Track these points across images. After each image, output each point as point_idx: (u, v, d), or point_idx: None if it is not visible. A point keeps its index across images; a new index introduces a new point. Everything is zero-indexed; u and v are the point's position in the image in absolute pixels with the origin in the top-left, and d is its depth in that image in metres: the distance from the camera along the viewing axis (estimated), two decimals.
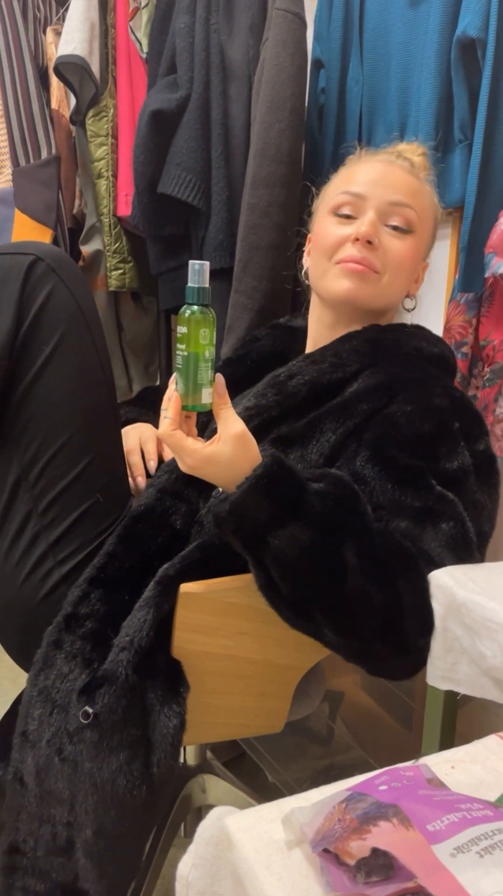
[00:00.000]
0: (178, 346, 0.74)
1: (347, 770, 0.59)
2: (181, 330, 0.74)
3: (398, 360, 0.93)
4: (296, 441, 0.90)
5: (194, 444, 0.74)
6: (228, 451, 0.73)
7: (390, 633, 0.73)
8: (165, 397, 0.76)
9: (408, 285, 1.00)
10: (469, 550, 0.79)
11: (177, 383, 0.75)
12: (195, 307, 0.74)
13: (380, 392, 0.89)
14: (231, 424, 0.74)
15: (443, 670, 0.80)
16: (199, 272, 0.74)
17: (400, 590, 0.73)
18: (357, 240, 0.93)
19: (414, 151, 1.05)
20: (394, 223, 0.94)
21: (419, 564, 0.75)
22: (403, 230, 0.94)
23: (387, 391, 0.89)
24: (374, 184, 0.95)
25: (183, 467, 0.76)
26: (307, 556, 0.72)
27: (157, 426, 1.10)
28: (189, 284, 0.74)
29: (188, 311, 0.74)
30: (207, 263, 0.75)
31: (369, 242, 0.92)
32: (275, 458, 0.74)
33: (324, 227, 0.98)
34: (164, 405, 0.75)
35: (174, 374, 0.76)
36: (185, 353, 0.74)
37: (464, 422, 0.88)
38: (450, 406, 0.88)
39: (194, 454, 0.74)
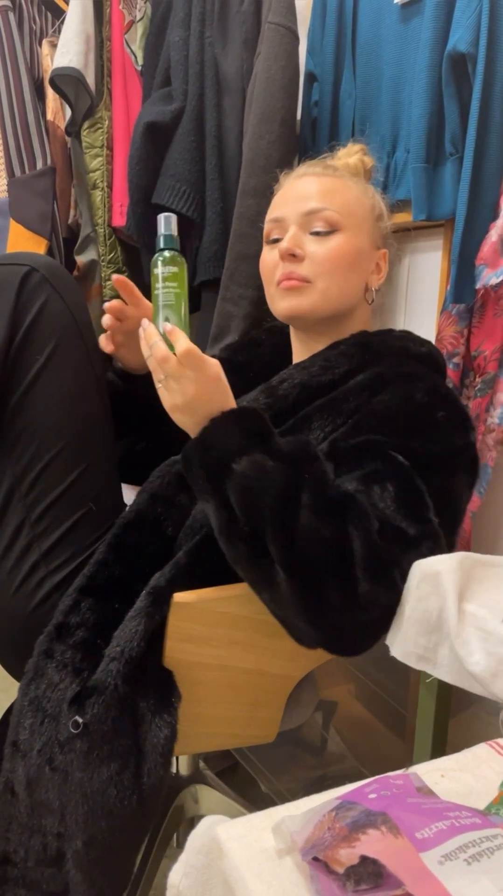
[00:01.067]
0: (168, 284, 0.80)
1: (341, 780, 0.59)
2: (169, 269, 0.79)
3: (384, 359, 0.93)
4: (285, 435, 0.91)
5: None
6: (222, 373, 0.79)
7: (339, 575, 0.72)
8: (151, 339, 0.79)
9: (360, 279, 1.00)
10: (420, 513, 0.78)
11: (165, 319, 0.80)
12: (177, 251, 0.80)
13: (365, 389, 0.90)
14: (207, 356, 0.79)
15: (423, 648, 0.79)
16: (168, 222, 0.82)
17: (349, 532, 0.73)
18: (283, 258, 0.96)
19: (348, 154, 1.07)
20: (316, 229, 0.96)
21: (369, 515, 0.75)
22: (326, 232, 0.95)
23: (372, 388, 0.89)
24: (288, 203, 0.98)
25: (190, 390, 0.77)
26: (268, 483, 0.73)
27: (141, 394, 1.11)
28: (165, 233, 0.81)
29: (174, 254, 0.80)
30: (174, 215, 0.84)
31: (293, 256, 0.95)
32: (251, 405, 0.77)
33: (262, 257, 1.03)
34: (155, 340, 0.78)
35: (161, 313, 0.81)
36: (178, 291, 0.80)
37: (447, 413, 0.87)
38: (432, 397, 0.87)
39: (216, 366, 0.78)
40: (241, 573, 0.78)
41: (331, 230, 0.95)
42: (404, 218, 1.25)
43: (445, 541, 0.82)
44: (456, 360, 1.19)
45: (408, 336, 0.98)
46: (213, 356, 1.07)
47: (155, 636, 0.82)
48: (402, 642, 0.76)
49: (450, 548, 0.83)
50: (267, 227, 1.01)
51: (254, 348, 1.17)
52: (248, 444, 0.74)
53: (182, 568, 0.84)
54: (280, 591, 0.75)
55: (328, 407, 0.90)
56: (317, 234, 0.95)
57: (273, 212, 1.00)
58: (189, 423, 0.79)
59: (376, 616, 0.75)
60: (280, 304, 0.99)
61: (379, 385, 0.89)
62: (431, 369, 0.95)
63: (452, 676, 0.76)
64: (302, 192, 0.98)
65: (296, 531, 0.73)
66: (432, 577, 0.78)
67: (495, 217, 1.12)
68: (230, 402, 0.80)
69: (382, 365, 0.92)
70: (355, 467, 0.81)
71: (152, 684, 0.82)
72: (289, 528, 0.73)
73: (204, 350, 1.45)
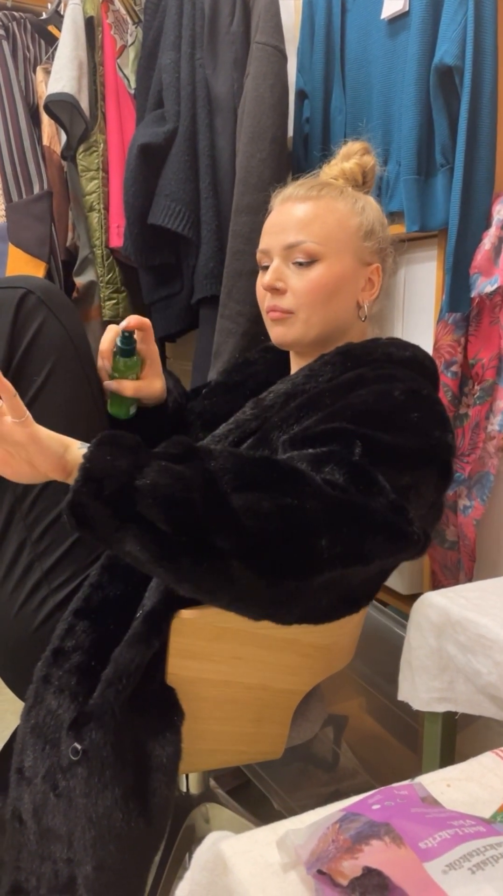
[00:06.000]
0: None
1: (353, 795, 0.58)
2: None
3: (367, 363, 0.93)
4: (267, 437, 0.91)
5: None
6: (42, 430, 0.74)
7: (293, 538, 0.69)
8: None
9: (346, 301, 0.99)
10: (369, 489, 0.75)
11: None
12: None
13: (344, 387, 0.89)
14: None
15: (440, 691, 0.80)
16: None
17: (287, 493, 0.70)
18: (267, 291, 0.99)
19: (346, 156, 1.07)
20: (297, 260, 0.97)
21: (308, 476, 0.72)
22: (306, 263, 0.97)
23: (350, 386, 0.89)
24: (271, 235, 1.00)
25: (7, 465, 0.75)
26: (185, 482, 0.68)
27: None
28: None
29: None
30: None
31: (276, 290, 0.98)
32: (107, 432, 0.73)
33: (257, 283, 1.05)
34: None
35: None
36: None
37: (423, 415, 0.85)
38: (409, 397, 0.86)
39: (13, 431, 0.72)
40: (191, 590, 0.72)
41: (311, 261, 0.96)
42: (398, 229, 1.26)
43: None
44: (454, 368, 1.20)
45: (392, 343, 0.98)
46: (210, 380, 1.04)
47: (156, 655, 0.81)
48: (419, 692, 0.76)
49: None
50: (257, 255, 1.03)
51: (248, 367, 1.17)
52: (138, 458, 0.70)
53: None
54: (240, 585, 0.70)
55: (306, 405, 0.90)
56: (298, 264, 0.97)
57: (261, 240, 1.02)
58: (35, 462, 0.76)
59: (338, 575, 0.72)
60: (271, 331, 1.02)
61: (358, 384, 0.89)
62: (416, 372, 0.93)
63: (472, 708, 0.76)
64: (283, 223, 0.99)
65: (237, 514, 0.68)
66: (417, 623, 0.78)
67: (487, 226, 1.13)
68: (66, 442, 0.76)
69: (365, 367, 0.92)
70: (316, 447, 0.79)
71: (154, 703, 0.81)
72: (229, 513, 0.68)
73: (207, 366, 1.46)
